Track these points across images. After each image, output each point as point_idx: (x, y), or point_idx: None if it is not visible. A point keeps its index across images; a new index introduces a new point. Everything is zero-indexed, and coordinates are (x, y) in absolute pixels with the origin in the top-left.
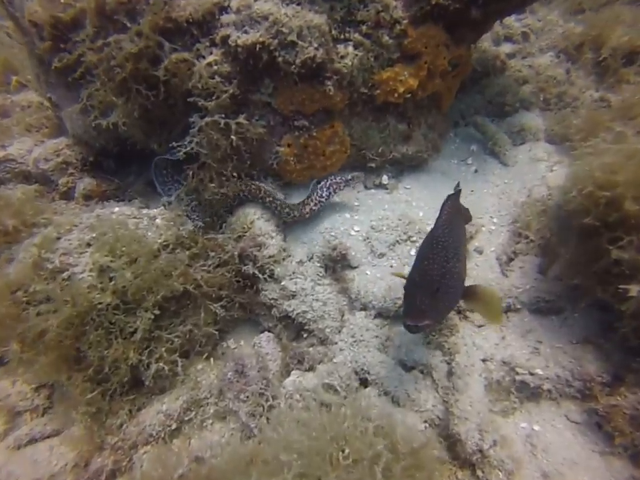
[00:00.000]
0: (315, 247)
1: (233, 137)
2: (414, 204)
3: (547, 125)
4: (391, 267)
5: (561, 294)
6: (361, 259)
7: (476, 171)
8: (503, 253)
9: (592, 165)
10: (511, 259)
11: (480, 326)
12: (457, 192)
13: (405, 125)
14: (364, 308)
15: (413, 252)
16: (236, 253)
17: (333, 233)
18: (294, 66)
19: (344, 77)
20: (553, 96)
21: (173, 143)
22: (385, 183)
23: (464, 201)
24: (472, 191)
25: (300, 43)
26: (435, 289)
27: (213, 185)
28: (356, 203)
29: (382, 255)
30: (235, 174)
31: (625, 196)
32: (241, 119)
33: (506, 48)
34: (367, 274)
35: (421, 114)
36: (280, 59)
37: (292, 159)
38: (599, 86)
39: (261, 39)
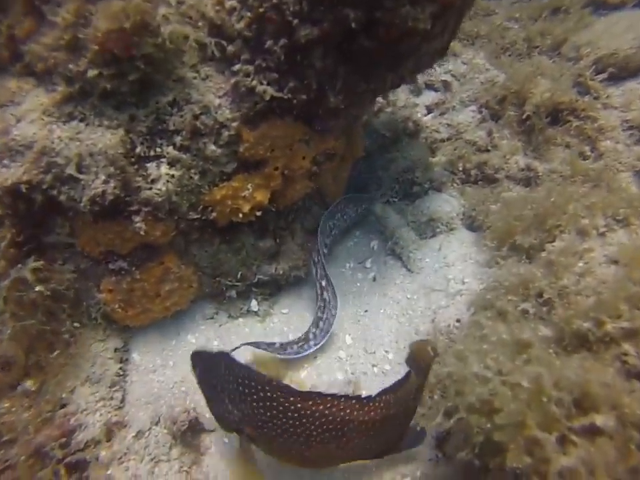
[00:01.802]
0: (162, 408)
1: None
2: (291, 336)
3: (466, 205)
4: None
5: None
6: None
7: (374, 279)
8: None
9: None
10: None
11: None
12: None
13: (269, 241)
14: None
15: None
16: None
17: (184, 388)
18: (82, 205)
19: (159, 206)
20: (473, 166)
21: None
22: (255, 309)
23: (354, 325)
24: (365, 310)
25: (81, 176)
26: None
27: None
28: (215, 342)
29: None
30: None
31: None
32: (37, 264)
33: (427, 98)
34: (224, 442)
35: (294, 220)
36: (62, 197)
37: (118, 306)
38: (526, 148)
39: (25, 177)
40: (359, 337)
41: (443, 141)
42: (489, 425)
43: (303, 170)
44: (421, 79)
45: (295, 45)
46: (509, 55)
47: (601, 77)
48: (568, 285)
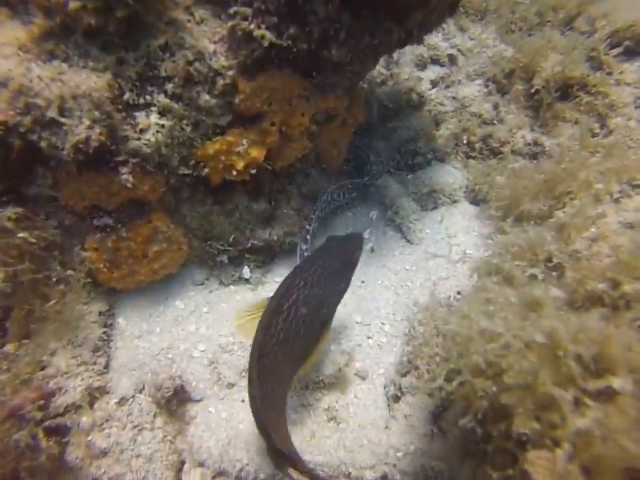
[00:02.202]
0: (147, 375)
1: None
2: None
3: (470, 178)
4: (243, 401)
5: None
6: (204, 390)
7: (372, 250)
8: (392, 382)
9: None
10: (399, 395)
11: None
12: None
13: (263, 204)
14: (202, 464)
15: None
16: None
17: (170, 355)
18: (65, 152)
19: (147, 158)
20: (478, 139)
21: None
22: (247, 276)
23: (349, 295)
24: (362, 281)
25: (64, 120)
26: None
27: None
28: (205, 309)
29: (231, 385)
30: None
31: None
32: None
33: (432, 72)
34: (210, 412)
35: (291, 182)
36: (43, 144)
37: (103, 266)
38: (533, 123)
39: (1, 117)
40: (354, 308)
41: (447, 113)
42: (494, 388)
43: (301, 128)
44: (426, 53)
45: None
46: (519, 30)
47: (615, 51)
48: (580, 249)
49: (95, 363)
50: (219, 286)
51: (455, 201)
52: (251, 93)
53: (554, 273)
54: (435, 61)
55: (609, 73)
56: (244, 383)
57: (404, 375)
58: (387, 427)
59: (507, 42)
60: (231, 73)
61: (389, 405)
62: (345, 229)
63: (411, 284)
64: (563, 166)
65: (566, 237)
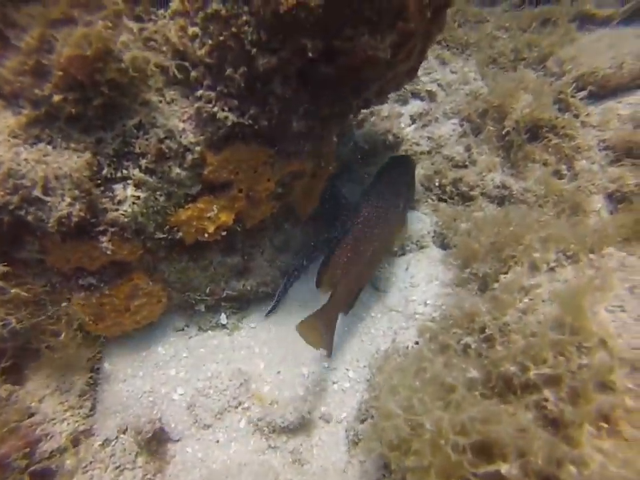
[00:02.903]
0: (130, 417)
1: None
2: (256, 350)
3: (440, 222)
4: (217, 441)
5: None
6: (182, 431)
7: None
8: (352, 427)
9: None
10: (356, 441)
11: None
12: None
13: (236, 258)
14: None
15: (244, 423)
16: None
17: (151, 398)
18: (50, 225)
19: (125, 227)
20: (449, 182)
21: None
22: (224, 322)
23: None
24: None
25: (48, 199)
26: None
27: None
28: (184, 354)
29: (207, 427)
30: None
31: None
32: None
33: (412, 107)
34: (187, 452)
35: (263, 237)
36: (30, 218)
37: (89, 319)
38: (504, 164)
39: None
40: (321, 353)
41: (423, 153)
42: (405, 464)
43: (267, 192)
44: (407, 87)
45: (254, 73)
46: (497, 66)
47: (581, 94)
48: (509, 322)
49: (81, 407)
50: (197, 332)
51: (422, 247)
52: (218, 165)
53: (484, 345)
54: (416, 95)
55: (576, 115)
56: (219, 424)
57: (362, 422)
58: (344, 471)
59: (486, 76)
60: (198, 148)
61: (348, 449)
62: (315, 270)
63: (375, 331)
64: (511, 228)
65: (500, 307)
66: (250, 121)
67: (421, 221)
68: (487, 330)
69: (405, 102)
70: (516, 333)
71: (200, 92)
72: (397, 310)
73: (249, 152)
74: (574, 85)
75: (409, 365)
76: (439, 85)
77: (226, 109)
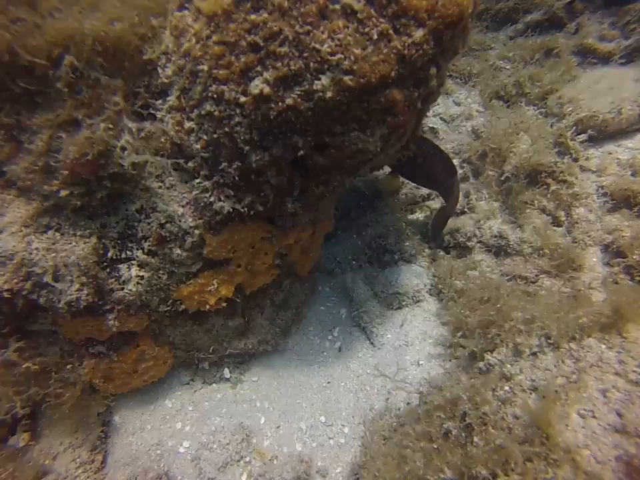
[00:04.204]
0: (139, 469)
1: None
2: (258, 404)
3: (436, 275)
4: None
5: None
6: None
7: (340, 349)
8: None
9: None
10: None
11: None
12: None
13: (238, 320)
14: None
15: (245, 477)
16: None
17: (159, 451)
18: (60, 307)
19: (131, 304)
20: (446, 231)
21: None
22: (227, 376)
23: (317, 395)
24: (328, 382)
25: (57, 285)
26: None
27: None
28: (190, 408)
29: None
30: None
31: None
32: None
33: None
34: None
35: (264, 297)
36: (42, 300)
37: (99, 382)
38: (503, 209)
39: (6, 286)
40: (320, 408)
41: (423, 197)
42: None
43: (266, 265)
44: None
45: (248, 167)
46: (500, 100)
47: (581, 137)
48: (488, 412)
49: (93, 461)
50: (202, 385)
51: (418, 301)
52: (217, 245)
53: (463, 434)
54: None
55: (575, 159)
56: (222, 477)
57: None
58: None
59: (491, 108)
60: (198, 232)
61: None
62: (316, 322)
63: (370, 388)
64: (498, 305)
65: (481, 395)
66: (245, 209)
67: (417, 275)
68: (467, 418)
69: None
70: (494, 428)
71: (197, 181)
72: (386, 375)
73: (247, 230)
74: (573, 128)
75: (391, 450)
76: (441, 119)
77: (222, 197)
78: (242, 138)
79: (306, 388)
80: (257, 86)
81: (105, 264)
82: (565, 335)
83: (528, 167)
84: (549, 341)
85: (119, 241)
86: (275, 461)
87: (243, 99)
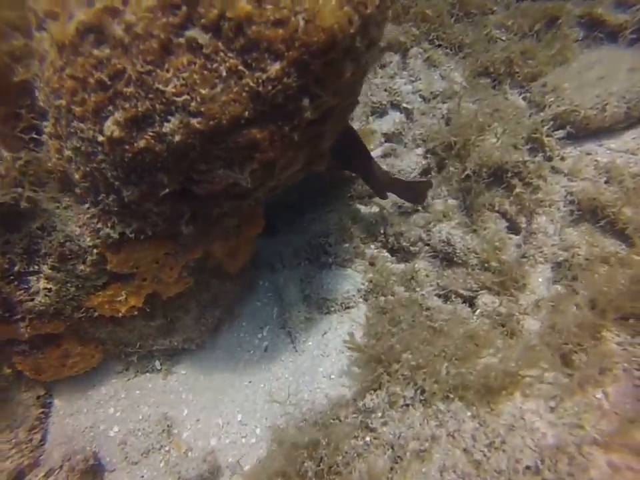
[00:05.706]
0: (73, 448)
1: None
2: (183, 396)
3: (372, 281)
4: (142, 477)
5: None
6: (115, 464)
7: (266, 349)
8: None
9: None
10: None
11: None
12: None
13: (160, 320)
14: None
15: (163, 464)
16: None
17: (92, 433)
18: None
19: (42, 313)
20: (392, 233)
21: None
22: (158, 367)
23: (237, 394)
24: (250, 381)
25: None
26: None
27: None
28: (122, 395)
29: (134, 463)
30: None
31: None
32: None
33: (388, 124)
34: None
35: (188, 299)
36: None
37: (31, 372)
38: (461, 210)
39: None
40: (238, 406)
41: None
42: None
43: (172, 278)
44: (387, 98)
45: (125, 200)
46: (487, 77)
47: (559, 133)
48: (340, 463)
49: (30, 440)
50: (135, 374)
51: (347, 308)
52: (118, 262)
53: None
54: (395, 106)
55: (549, 158)
56: (145, 462)
57: None
58: None
59: (473, 88)
60: (96, 250)
61: None
62: (250, 318)
63: (284, 394)
64: (396, 337)
65: (339, 445)
66: (134, 234)
67: (351, 279)
68: (321, 464)
69: (382, 114)
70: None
71: (85, 206)
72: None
73: (147, 249)
74: (551, 123)
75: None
76: (421, 97)
77: (109, 224)
78: (109, 174)
79: (229, 385)
80: (109, 127)
81: (12, 277)
82: (440, 391)
83: (492, 164)
84: (421, 396)
85: (25, 256)
86: (189, 453)
87: (100, 138)
